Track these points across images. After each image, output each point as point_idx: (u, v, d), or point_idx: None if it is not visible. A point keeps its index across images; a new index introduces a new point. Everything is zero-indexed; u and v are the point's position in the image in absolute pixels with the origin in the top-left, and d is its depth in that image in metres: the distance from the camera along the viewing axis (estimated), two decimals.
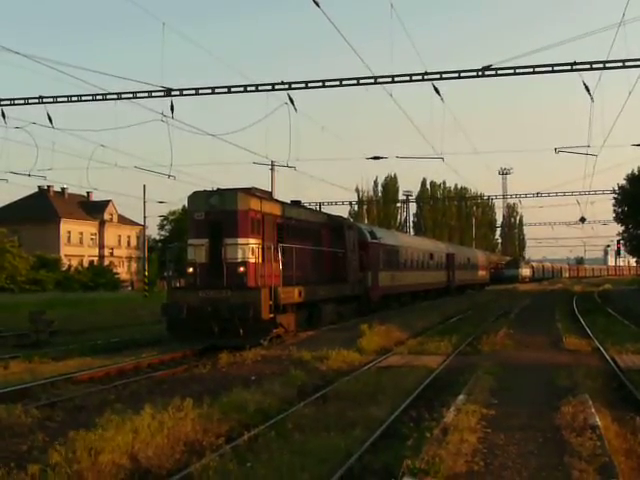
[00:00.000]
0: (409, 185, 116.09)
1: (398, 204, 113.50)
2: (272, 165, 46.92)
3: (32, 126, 29.49)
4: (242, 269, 20.51)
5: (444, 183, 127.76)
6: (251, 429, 10.29)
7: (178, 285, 24.54)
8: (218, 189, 22.13)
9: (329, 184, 63.80)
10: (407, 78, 25.59)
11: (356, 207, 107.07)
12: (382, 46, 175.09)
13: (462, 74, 25.15)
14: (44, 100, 27.78)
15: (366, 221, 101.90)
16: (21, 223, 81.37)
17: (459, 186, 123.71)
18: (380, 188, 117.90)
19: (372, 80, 25.77)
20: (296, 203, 27.73)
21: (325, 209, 50.56)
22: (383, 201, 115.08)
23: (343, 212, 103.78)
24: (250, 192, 21.98)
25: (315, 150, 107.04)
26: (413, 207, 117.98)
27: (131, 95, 27.61)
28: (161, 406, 10.69)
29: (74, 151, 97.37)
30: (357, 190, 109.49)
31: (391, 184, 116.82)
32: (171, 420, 10.02)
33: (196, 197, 21.55)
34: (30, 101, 28.11)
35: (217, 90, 26.85)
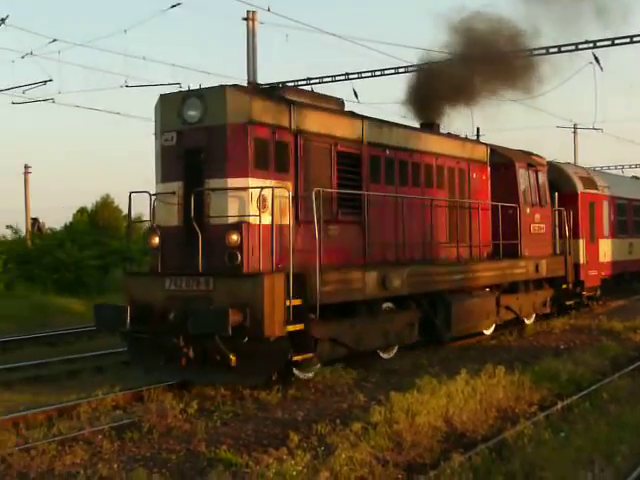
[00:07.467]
0: None
1: None
2: (575, 128, 45.18)
3: None
4: (234, 238, 11.10)
5: None
6: (564, 399, 10.23)
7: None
8: (200, 87, 12.14)
9: None
10: None
11: None
12: None
13: None
14: (350, 77, 28.98)
15: None
16: None
17: None
18: None
19: None
20: (429, 126, 17.60)
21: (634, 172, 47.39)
22: None
23: None
24: (254, 90, 13.14)
25: (623, 111, 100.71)
26: None
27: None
28: (472, 372, 10.91)
29: None
30: None
31: None
32: (483, 386, 10.22)
33: (165, 104, 12.10)
34: (337, 78, 29.47)
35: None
